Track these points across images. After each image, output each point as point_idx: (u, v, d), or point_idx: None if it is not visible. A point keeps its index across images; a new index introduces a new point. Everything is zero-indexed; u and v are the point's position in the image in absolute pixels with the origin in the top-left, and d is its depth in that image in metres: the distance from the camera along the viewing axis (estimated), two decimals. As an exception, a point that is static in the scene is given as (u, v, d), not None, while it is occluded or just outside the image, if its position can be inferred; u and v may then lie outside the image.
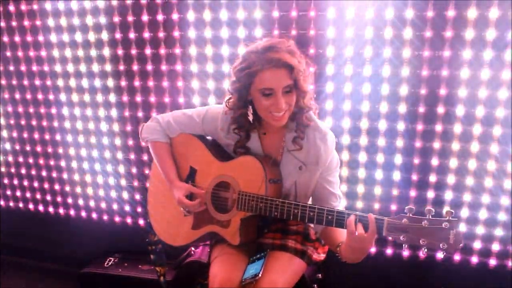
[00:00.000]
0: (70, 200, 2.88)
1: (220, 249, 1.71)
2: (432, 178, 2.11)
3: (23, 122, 2.82)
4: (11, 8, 2.58)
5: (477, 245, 2.14)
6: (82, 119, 2.66)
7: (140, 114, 2.52)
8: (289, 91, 1.49)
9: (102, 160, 2.69)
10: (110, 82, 2.52)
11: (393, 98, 2.06)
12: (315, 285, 1.86)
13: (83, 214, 2.87)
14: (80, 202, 2.85)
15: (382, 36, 1.99)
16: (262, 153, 1.66)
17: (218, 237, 1.72)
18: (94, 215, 2.84)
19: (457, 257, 2.18)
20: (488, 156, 2.01)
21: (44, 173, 2.89)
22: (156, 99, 2.46)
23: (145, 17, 2.33)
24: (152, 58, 2.39)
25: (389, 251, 2.29)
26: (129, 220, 2.76)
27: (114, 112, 2.57)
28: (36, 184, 2.94)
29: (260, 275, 1.51)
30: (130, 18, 2.36)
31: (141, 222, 2.73)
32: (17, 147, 2.90)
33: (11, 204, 3.06)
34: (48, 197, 2.93)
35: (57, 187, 2.88)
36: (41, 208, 2.98)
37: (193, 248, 2.18)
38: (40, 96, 2.72)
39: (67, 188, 2.86)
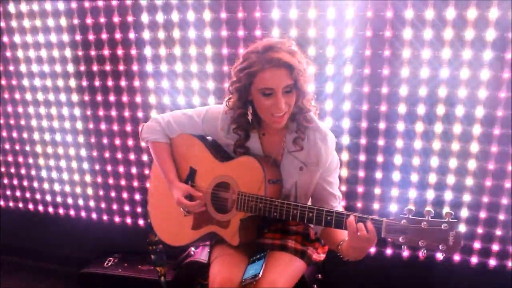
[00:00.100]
0: (69, 200, 2.88)
1: (220, 250, 1.71)
2: (432, 178, 2.11)
3: (23, 122, 2.82)
4: (11, 8, 2.58)
5: (477, 245, 2.14)
6: (82, 119, 2.66)
7: (140, 114, 2.52)
8: (289, 91, 1.49)
9: (102, 160, 2.69)
10: (110, 82, 2.52)
11: (393, 99, 2.06)
12: (315, 285, 1.86)
13: (83, 214, 2.87)
14: (80, 202, 2.85)
15: (382, 37, 1.99)
16: (262, 153, 1.66)
17: (218, 238, 1.72)
18: (94, 215, 2.84)
19: (457, 257, 2.18)
20: (488, 156, 2.01)
21: (43, 173, 2.89)
22: (155, 100, 2.46)
23: (145, 18, 2.33)
24: (152, 58, 2.39)
25: (389, 251, 2.29)
26: (128, 221, 2.76)
27: (114, 112, 2.57)
28: (35, 184, 2.94)
29: (260, 275, 1.51)
30: (130, 19, 2.36)
31: (141, 222, 2.73)
32: (17, 147, 2.90)
33: (11, 204, 3.06)
34: (48, 197, 2.93)
35: (56, 187, 2.88)
36: (40, 208, 2.98)
37: (193, 249, 2.19)
38: (40, 97, 2.72)
39: (67, 188, 2.86)
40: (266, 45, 1.48)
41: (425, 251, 1.31)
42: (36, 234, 3.06)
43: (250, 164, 1.59)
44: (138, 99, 2.50)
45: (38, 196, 2.96)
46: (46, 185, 2.91)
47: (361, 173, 2.22)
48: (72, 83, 2.61)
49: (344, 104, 2.14)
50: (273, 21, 2.11)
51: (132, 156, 2.61)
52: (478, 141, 2.00)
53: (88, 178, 2.77)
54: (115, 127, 2.60)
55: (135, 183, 2.66)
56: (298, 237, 1.72)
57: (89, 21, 2.45)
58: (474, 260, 2.16)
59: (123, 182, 2.69)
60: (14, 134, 2.87)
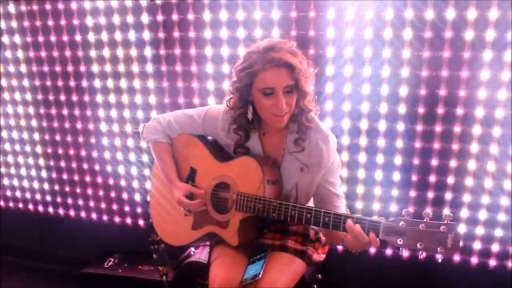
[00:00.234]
0: (70, 201, 2.88)
1: (220, 250, 1.71)
2: (432, 178, 2.11)
3: (23, 123, 2.82)
4: (11, 8, 2.58)
5: (477, 245, 2.14)
6: (82, 119, 2.66)
7: (140, 114, 2.52)
8: (290, 91, 1.49)
9: (102, 161, 2.69)
10: (110, 83, 2.52)
11: (393, 99, 2.06)
12: (315, 286, 1.86)
13: (83, 214, 2.87)
14: (80, 202, 2.85)
15: (382, 37, 1.99)
16: (263, 153, 1.66)
17: (217, 238, 1.72)
18: (94, 216, 2.84)
19: (457, 258, 2.18)
20: (488, 156, 2.01)
21: (44, 174, 2.89)
22: (156, 100, 2.46)
23: (145, 18, 2.33)
24: (152, 58, 2.39)
25: (388, 251, 2.29)
26: (129, 221, 2.76)
27: (114, 113, 2.57)
28: (36, 185, 2.94)
29: (260, 275, 1.52)
30: (130, 19, 2.36)
31: (141, 222, 2.73)
32: (17, 148, 2.90)
33: (11, 204, 3.06)
34: (48, 198, 2.93)
35: (57, 187, 2.88)
36: (41, 208, 2.98)
37: (193, 249, 2.19)
38: (40, 97, 2.72)
39: (67, 189, 2.86)
40: (267, 45, 1.48)
41: (423, 254, 1.31)
42: (36, 235, 3.06)
43: (249, 165, 1.59)
44: (138, 99, 2.49)
45: (38, 197, 2.96)
46: (46, 186, 2.91)
47: (361, 173, 2.22)
48: (72, 83, 2.61)
49: (344, 105, 2.14)
50: (273, 21, 2.11)
51: (132, 157, 2.61)
52: (478, 141, 2.00)
53: (87, 179, 2.77)
54: (115, 128, 2.60)
55: (135, 184, 2.66)
56: (298, 237, 1.72)
57: (89, 21, 2.45)
58: (474, 260, 2.16)
59: (123, 183, 2.69)
60: (14, 135, 2.87)
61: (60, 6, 2.47)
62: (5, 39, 2.67)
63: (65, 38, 2.53)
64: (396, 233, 1.32)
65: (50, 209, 2.95)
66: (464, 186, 2.08)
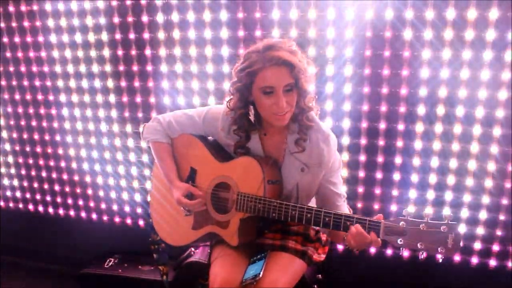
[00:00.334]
0: (70, 201, 2.88)
1: (220, 250, 1.71)
2: (432, 178, 2.11)
3: (23, 123, 2.82)
4: (11, 8, 2.58)
5: (477, 245, 2.14)
6: (82, 119, 2.66)
7: (140, 114, 2.52)
8: (290, 89, 1.49)
9: (102, 161, 2.69)
10: (110, 83, 2.52)
11: (393, 99, 2.06)
12: (315, 286, 1.86)
13: (83, 214, 2.87)
14: (80, 202, 2.85)
15: (382, 37, 1.99)
16: (263, 154, 1.66)
17: (218, 238, 1.72)
18: (94, 216, 2.84)
19: (457, 258, 2.18)
20: (488, 156, 2.01)
21: (44, 174, 2.89)
22: (156, 100, 2.46)
23: (144, 18, 2.33)
24: (152, 58, 2.39)
25: (389, 251, 2.29)
26: (129, 221, 2.76)
27: (114, 113, 2.57)
28: (36, 185, 2.94)
29: (260, 275, 1.51)
30: (130, 19, 2.36)
31: (141, 223, 2.73)
32: (17, 148, 2.90)
33: (11, 205, 3.06)
34: (48, 198, 2.93)
35: (57, 188, 2.88)
36: (41, 208, 2.98)
37: (193, 249, 2.18)
38: (39, 97, 2.72)
39: (67, 189, 2.86)
40: (266, 45, 1.48)
41: (424, 253, 1.31)
42: (36, 235, 3.06)
43: (250, 165, 1.58)
44: (139, 99, 2.49)
45: (38, 197, 2.96)
46: (46, 186, 2.91)
47: (361, 173, 2.22)
48: (72, 83, 2.61)
49: (344, 105, 2.14)
50: (273, 21, 2.11)
51: (132, 157, 2.61)
52: (478, 141, 2.00)
53: (87, 179, 2.77)
54: (115, 128, 2.60)
55: (135, 184, 2.66)
56: (298, 237, 1.72)
57: (89, 21, 2.45)
58: (474, 260, 2.16)
59: (123, 183, 2.69)
60: (14, 135, 2.87)
61: (60, 6, 2.47)
62: (5, 39, 2.67)
63: (64, 38, 2.53)
64: (397, 233, 1.31)
65: (50, 209, 2.95)
66: (464, 186, 2.07)
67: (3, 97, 2.81)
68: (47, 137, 2.78)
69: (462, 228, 2.12)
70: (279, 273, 1.57)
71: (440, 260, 1.30)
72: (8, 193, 3.04)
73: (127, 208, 2.73)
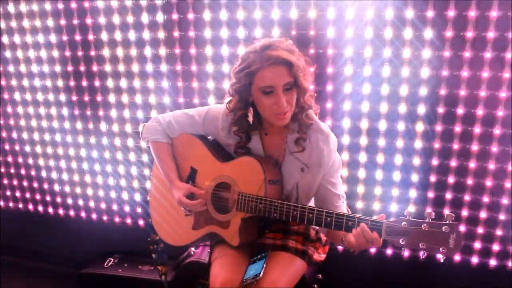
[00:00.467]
0: (69, 201, 2.88)
1: (220, 250, 1.71)
2: (432, 178, 2.11)
3: (22, 123, 2.82)
4: (11, 8, 2.58)
5: (477, 245, 2.14)
6: (82, 119, 2.66)
7: (140, 114, 2.52)
8: (289, 88, 1.49)
9: (102, 161, 2.69)
10: (110, 83, 2.52)
11: (393, 98, 2.06)
12: (315, 285, 1.86)
13: (83, 214, 2.87)
14: (80, 202, 2.85)
15: (382, 36, 1.99)
16: (263, 154, 1.66)
17: (218, 238, 1.72)
18: (93, 216, 2.84)
19: (457, 257, 2.18)
20: (488, 156, 2.01)
21: (43, 174, 2.88)
22: (155, 100, 2.46)
23: (144, 18, 2.33)
24: (152, 58, 2.39)
25: (389, 251, 2.29)
26: (128, 221, 2.76)
27: (114, 113, 2.57)
28: (35, 185, 2.94)
29: (261, 275, 1.51)
30: (130, 19, 2.36)
31: (140, 222, 2.73)
32: (17, 148, 2.89)
33: (11, 204, 3.06)
34: (48, 198, 2.93)
35: (56, 187, 2.88)
36: (40, 208, 2.98)
37: (193, 249, 2.19)
38: (39, 97, 2.71)
39: (67, 189, 2.85)
40: (264, 44, 1.48)
41: (425, 253, 1.31)
42: (36, 235, 3.05)
43: (250, 165, 1.58)
44: (138, 99, 2.49)
45: (38, 197, 2.96)
46: (46, 186, 2.90)
47: (361, 173, 2.22)
48: (72, 83, 2.60)
49: (344, 104, 2.14)
50: (273, 21, 2.11)
51: (132, 157, 2.61)
52: (478, 141, 2.00)
53: (87, 179, 2.77)
54: (115, 127, 2.59)
55: (135, 184, 2.66)
56: (298, 237, 1.72)
57: (88, 21, 2.45)
58: (474, 260, 2.16)
59: (123, 183, 2.68)
60: (14, 135, 2.87)
61: (60, 6, 2.47)
62: (5, 39, 2.66)
63: (64, 38, 2.53)
64: (398, 233, 1.32)
65: (50, 209, 2.95)
66: (464, 186, 2.08)
67: (3, 97, 2.80)
68: (46, 137, 2.78)
69: (462, 228, 2.12)
70: (280, 272, 1.57)
71: (442, 260, 1.29)
72: (8, 193, 3.04)
73: (127, 208, 2.73)
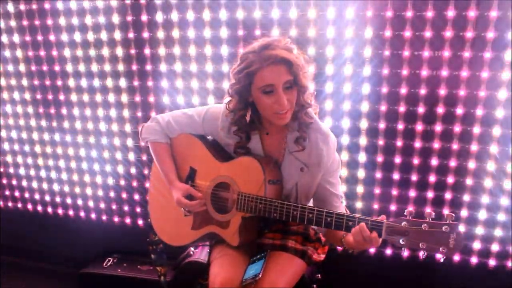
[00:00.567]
0: (69, 201, 2.87)
1: (220, 250, 1.71)
2: (432, 178, 2.11)
3: (21, 122, 2.81)
4: (10, 8, 2.57)
5: (476, 245, 2.14)
6: (81, 119, 2.65)
7: (139, 114, 2.51)
8: (290, 87, 1.48)
9: (101, 160, 2.68)
10: (110, 82, 2.52)
11: (393, 98, 2.06)
12: (315, 286, 1.86)
13: (82, 214, 2.87)
14: (79, 202, 2.84)
15: (382, 36, 1.98)
16: (263, 154, 1.65)
17: (217, 238, 1.71)
18: (93, 216, 2.84)
19: (456, 258, 2.18)
20: (488, 156, 2.01)
21: (43, 174, 2.88)
22: (155, 99, 2.45)
23: (144, 17, 2.33)
24: (152, 58, 2.39)
25: (388, 251, 2.29)
26: (128, 221, 2.76)
27: (113, 112, 2.57)
28: (35, 185, 2.93)
29: (260, 275, 1.51)
30: (129, 18, 2.36)
31: (140, 222, 2.72)
32: (16, 147, 2.89)
33: (10, 204, 3.05)
34: (47, 198, 2.93)
35: (56, 187, 2.88)
36: (39, 208, 2.98)
37: (192, 249, 2.18)
38: (38, 96, 2.71)
39: (66, 189, 2.85)
40: (262, 44, 1.48)
41: (425, 253, 1.31)
42: (35, 234, 3.05)
43: (250, 165, 1.58)
44: (138, 99, 2.49)
45: (37, 196, 2.95)
46: (45, 185, 2.90)
47: (361, 173, 2.22)
48: (71, 82, 2.60)
49: (344, 104, 2.14)
50: (273, 21, 2.10)
51: (131, 156, 2.61)
52: (478, 141, 2.00)
53: (86, 179, 2.77)
54: (114, 127, 2.59)
55: (134, 183, 2.66)
56: (298, 237, 1.72)
57: (88, 20, 2.44)
58: (474, 260, 2.16)
59: (122, 182, 2.68)
60: (13, 134, 2.87)
61: (60, 5, 2.46)
62: (4, 38, 2.66)
63: (64, 37, 2.53)
64: (399, 233, 1.32)
65: (49, 209, 2.95)
66: (464, 186, 2.07)
67: (2, 97, 2.80)
68: (46, 137, 2.78)
69: (461, 228, 2.12)
70: (279, 273, 1.57)
71: (442, 260, 1.29)
72: (7, 193, 3.03)
73: (126, 208, 2.73)
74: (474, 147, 2.01)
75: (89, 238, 2.85)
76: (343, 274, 2.31)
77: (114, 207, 2.76)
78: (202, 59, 2.30)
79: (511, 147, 1.97)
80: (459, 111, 1.98)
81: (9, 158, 2.94)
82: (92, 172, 2.74)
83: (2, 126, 2.87)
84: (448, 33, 1.90)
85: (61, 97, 2.65)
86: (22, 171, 2.93)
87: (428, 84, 1.99)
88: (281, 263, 1.60)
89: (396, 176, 2.16)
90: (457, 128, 2.01)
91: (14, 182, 2.99)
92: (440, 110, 2.01)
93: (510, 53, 1.85)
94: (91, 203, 2.81)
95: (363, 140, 2.16)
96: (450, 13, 1.87)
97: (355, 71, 2.07)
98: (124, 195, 2.71)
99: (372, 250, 2.30)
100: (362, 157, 2.19)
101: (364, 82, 2.07)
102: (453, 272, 2.19)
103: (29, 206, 3.00)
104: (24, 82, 2.72)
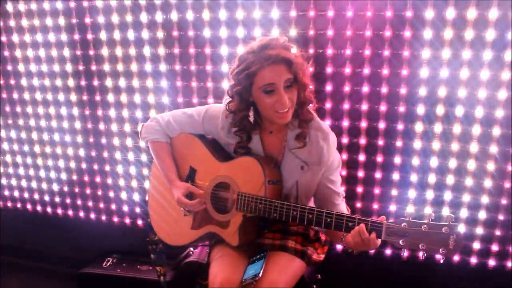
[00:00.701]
0: (68, 201, 2.87)
1: (219, 250, 1.70)
2: (432, 178, 2.11)
3: (21, 122, 2.81)
4: (10, 8, 2.57)
5: (476, 245, 2.14)
6: (81, 119, 2.65)
7: (139, 114, 2.51)
8: (290, 85, 1.49)
9: (101, 160, 2.68)
10: (109, 82, 2.51)
11: (393, 98, 2.06)
12: (314, 286, 1.86)
13: (82, 214, 2.86)
14: (79, 202, 2.84)
15: (382, 36, 1.98)
16: (263, 153, 1.65)
17: (217, 238, 1.71)
18: (92, 216, 2.83)
19: (456, 258, 2.18)
20: (488, 156, 2.00)
21: (42, 174, 2.88)
22: (155, 99, 2.45)
23: (144, 17, 2.32)
24: (151, 58, 2.39)
25: (388, 251, 2.29)
26: (127, 221, 2.75)
27: (113, 112, 2.56)
28: (34, 185, 2.93)
29: (260, 275, 1.51)
30: (129, 18, 2.35)
31: (139, 222, 2.72)
32: (16, 147, 2.89)
33: (9, 204, 3.05)
34: (47, 198, 2.92)
35: (55, 187, 2.87)
36: (39, 208, 2.97)
37: (191, 249, 2.18)
38: (38, 96, 2.71)
39: (66, 189, 2.85)
40: (261, 44, 1.49)
41: (425, 254, 1.30)
42: (35, 235, 3.05)
43: (250, 165, 1.58)
44: (137, 98, 2.49)
45: (36, 196, 2.95)
46: (44, 185, 2.90)
47: (361, 173, 2.21)
48: (71, 82, 2.60)
49: (344, 104, 2.13)
50: (273, 20, 2.10)
51: (131, 156, 2.61)
52: (477, 141, 2.00)
53: (86, 178, 2.76)
54: (114, 127, 2.59)
55: (134, 183, 2.66)
56: (298, 237, 1.71)
57: (88, 20, 2.44)
58: (473, 260, 2.16)
59: (121, 182, 2.68)
60: (13, 134, 2.86)
61: (59, 5, 2.46)
62: (3, 38, 2.66)
63: (63, 37, 2.52)
64: (398, 234, 1.32)
65: (49, 209, 2.94)
66: (463, 186, 2.07)
67: (1, 96, 2.80)
68: (45, 137, 2.77)
69: (461, 228, 2.11)
70: (279, 273, 1.56)
71: (441, 261, 1.29)
72: (7, 193, 3.03)
73: (125, 208, 2.73)
74: (474, 147, 2.01)
75: (89, 238, 2.85)
76: (343, 274, 2.31)
77: (113, 207, 2.76)
78: (201, 59, 2.29)
79: (511, 147, 1.96)
80: (459, 111, 1.98)
81: (8, 158, 2.93)
82: (91, 172, 2.74)
83: (2, 126, 2.87)
84: (448, 33, 1.89)
85: (60, 97, 2.65)
86: (21, 171, 2.93)
87: (428, 84, 1.99)
88: (280, 263, 1.60)
89: (396, 176, 2.15)
90: (456, 129, 2.01)
91: (13, 182, 2.98)
92: (440, 110, 2.01)
93: (510, 53, 1.85)
94: (90, 203, 2.81)
95: (362, 140, 2.16)
96: (450, 13, 1.86)
97: (354, 71, 2.07)
98: (123, 195, 2.70)
99: (372, 251, 2.30)
100: (361, 157, 2.18)
101: (364, 82, 2.07)
102: (453, 272, 2.19)
103: (29, 206, 3.00)
104: (24, 82, 2.71)
